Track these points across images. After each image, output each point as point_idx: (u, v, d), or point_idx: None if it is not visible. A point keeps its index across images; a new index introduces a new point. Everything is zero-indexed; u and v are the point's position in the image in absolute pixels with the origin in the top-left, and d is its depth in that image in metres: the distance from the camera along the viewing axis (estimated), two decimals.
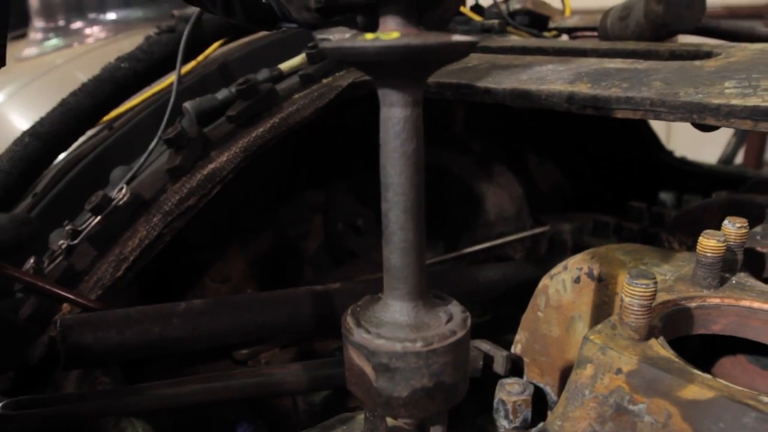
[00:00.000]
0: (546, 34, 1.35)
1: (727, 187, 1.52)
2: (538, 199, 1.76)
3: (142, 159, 0.98)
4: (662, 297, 0.56)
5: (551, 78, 0.77)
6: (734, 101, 0.60)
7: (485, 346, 0.76)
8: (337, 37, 0.56)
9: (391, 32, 0.42)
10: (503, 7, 1.35)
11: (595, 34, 1.20)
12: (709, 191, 1.58)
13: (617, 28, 1.01)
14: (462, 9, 1.29)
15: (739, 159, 3.32)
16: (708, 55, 0.80)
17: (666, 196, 1.82)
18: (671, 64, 0.76)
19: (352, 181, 1.40)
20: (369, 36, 0.42)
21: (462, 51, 0.42)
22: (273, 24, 0.80)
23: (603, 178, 1.82)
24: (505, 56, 0.94)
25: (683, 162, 1.68)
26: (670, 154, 1.70)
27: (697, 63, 0.75)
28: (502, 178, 1.44)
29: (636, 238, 1.45)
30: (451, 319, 0.45)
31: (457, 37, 0.42)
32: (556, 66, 0.82)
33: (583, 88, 0.71)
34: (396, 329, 0.43)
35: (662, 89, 0.67)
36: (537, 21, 1.35)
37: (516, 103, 0.76)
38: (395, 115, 0.42)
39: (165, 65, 1.09)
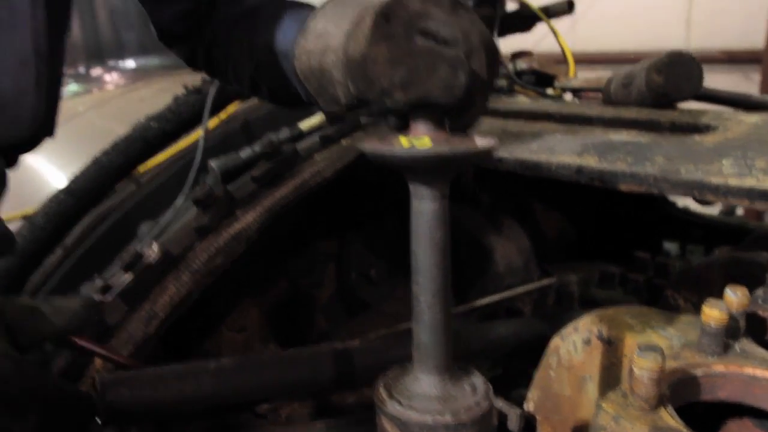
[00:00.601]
0: (551, 91, 1.42)
1: (730, 238, 1.56)
2: (544, 246, 1.80)
3: (168, 215, 1.04)
4: (670, 364, 0.60)
5: (560, 149, 0.82)
6: (732, 181, 0.65)
7: (499, 403, 0.79)
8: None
9: (422, 137, 0.49)
10: (510, 66, 1.42)
11: (599, 95, 1.27)
12: (712, 241, 1.62)
13: (621, 94, 1.07)
14: None
15: (740, 210, 3.38)
16: (707, 128, 0.86)
17: (670, 246, 1.86)
18: (672, 138, 0.81)
19: (365, 232, 1.45)
20: (403, 141, 0.48)
21: (484, 156, 0.48)
22: (298, 105, 0.86)
23: (607, 227, 1.87)
24: (515, 122, 1.00)
25: (686, 213, 1.73)
26: (673, 205, 1.75)
27: (697, 138, 0.80)
28: (510, 231, 1.48)
29: (641, 289, 1.49)
30: (475, 391, 0.50)
31: (480, 144, 0.48)
32: (564, 136, 0.88)
33: (591, 162, 0.77)
34: (426, 402, 0.47)
35: (665, 165, 0.72)
36: (543, 80, 1.43)
37: (527, 172, 0.81)
38: (425, 207, 0.48)
39: (191, 124, 1.15)
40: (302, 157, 1.04)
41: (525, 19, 1.55)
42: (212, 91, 1.14)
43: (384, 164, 0.47)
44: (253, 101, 1.25)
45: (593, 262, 1.59)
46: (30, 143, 0.68)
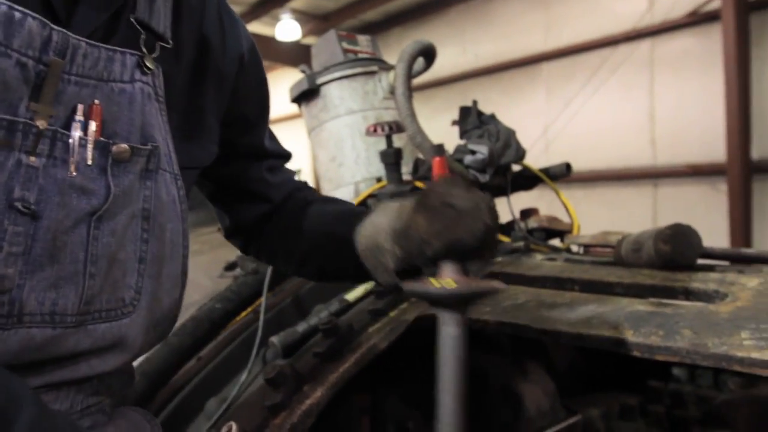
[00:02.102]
0: (561, 245, 1.59)
1: None
2: (558, 380, 1.89)
3: (234, 391, 1.13)
4: None
5: (596, 322, 0.96)
6: (754, 354, 0.79)
7: None
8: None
9: (447, 279, 0.69)
10: (522, 225, 1.60)
11: (606, 250, 1.44)
12: (718, 368, 1.73)
13: (631, 257, 1.24)
14: None
15: None
16: (716, 294, 1.01)
17: (679, 372, 1.96)
18: (691, 308, 0.96)
19: (400, 384, 1.53)
20: (434, 282, 0.69)
21: (494, 293, 0.73)
22: (341, 281, 1.03)
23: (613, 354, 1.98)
24: (546, 291, 1.15)
25: None
26: None
27: (712, 308, 0.95)
28: (535, 375, 1.58)
29: (662, 420, 1.58)
30: None
31: (491, 285, 0.74)
32: (596, 307, 1.02)
33: (628, 335, 0.90)
34: None
35: (693, 339, 0.86)
36: (552, 235, 1.60)
37: (571, 343, 0.94)
38: (449, 332, 0.70)
39: (250, 302, 1.28)
40: (357, 331, 1.16)
41: (528, 180, 1.76)
42: (269, 273, 1.28)
43: (420, 299, 0.69)
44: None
45: (607, 393, 1.68)
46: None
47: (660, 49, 6.48)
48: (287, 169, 1.09)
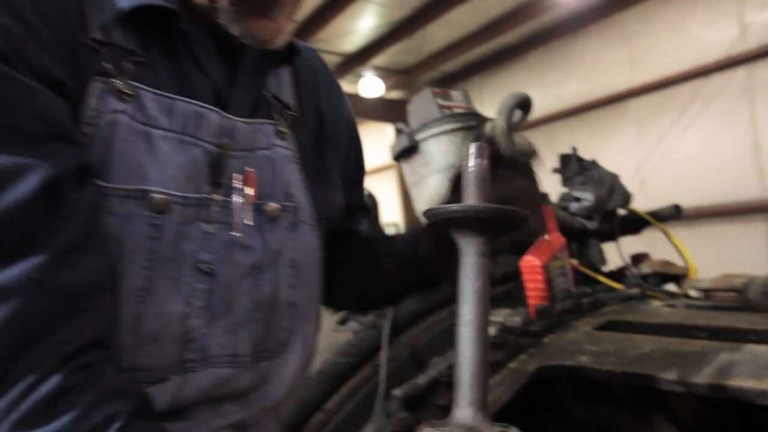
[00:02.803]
0: (678, 290, 1.54)
1: None
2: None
3: None
4: None
5: (735, 372, 0.93)
6: None
7: None
8: None
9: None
10: (635, 270, 1.57)
11: (729, 294, 1.39)
12: None
13: (762, 301, 1.19)
14: (602, 279, 1.52)
15: None
16: None
17: None
18: None
19: None
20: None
21: (518, 217, 0.61)
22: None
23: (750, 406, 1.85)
24: (672, 339, 1.12)
25: None
26: None
27: None
28: (663, 429, 1.52)
29: None
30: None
31: (515, 209, 0.61)
32: (730, 356, 0.99)
33: None
34: (457, 429, 0.53)
35: None
36: (667, 280, 1.56)
37: (713, 395, 0.92)
38: (467, 261, 0.60)
39: (371, 356, 1.33)
40: None
41: (634, 223, 1.74)
42: (387, 325, 1.33)
43: (438, 222, 0.60)
44: (416, 329, 1.44)
45: None
46: None
47: (759, 75, 6.18)
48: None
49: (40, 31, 0.60)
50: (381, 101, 9.49)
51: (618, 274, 1.58)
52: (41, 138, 0.57)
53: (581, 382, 1.23)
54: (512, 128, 1.59)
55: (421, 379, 1.25)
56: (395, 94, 9.95)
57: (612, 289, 1.49)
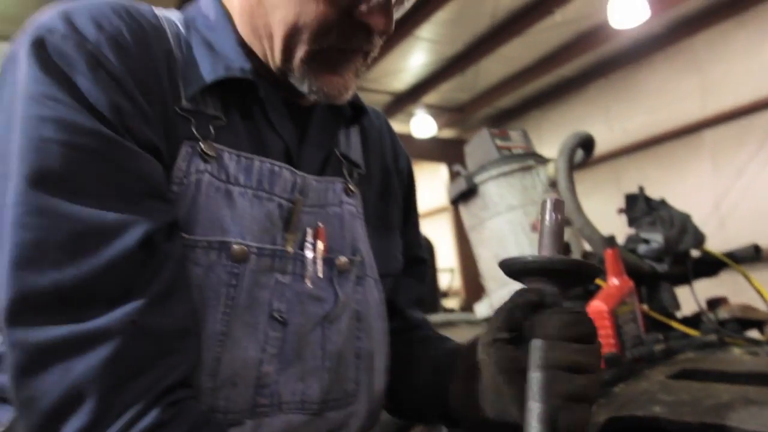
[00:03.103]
0: (761, 337, 1.52)
1: None
2: None
3: None
4: None
5: None
6: None
7: None
8: None
9: None
10: (711, 316, 1.56)
11: None
12: None
13: None
14: (675, 325, 1.52)
15: None
16: None
17: None
18: None
19: None
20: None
21: (591, 274, 0.68)
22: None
23: None
24: (753, 388, 1.12)
25: None
26: None
27: None
28: None
29: None
30: None
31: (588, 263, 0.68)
32: None
33: None
34: None
35: None
36: (748, 326, 1.54)
37: None
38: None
39: None
40: None
41: (710, 266, 1.73)
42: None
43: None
44: None
45: None
46: None
47: None
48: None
49: (141, 104, 0.71)
50: (434, 141, 9.62)
51: (693, 320, 1.57)
52: (142, 196, 0.68)
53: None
54: (573, 169, 1.65)
55: None
56: (448, 133, 10.08)
57: (686, 335, 1.48)
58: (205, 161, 0.76)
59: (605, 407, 1.23)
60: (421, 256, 1.16)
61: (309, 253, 0.83)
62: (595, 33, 7.19)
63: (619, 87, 8.14)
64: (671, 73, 7.51)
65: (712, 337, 1.44)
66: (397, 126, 9.70)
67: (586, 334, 0.67)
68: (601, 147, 8.40)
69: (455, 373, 0.89)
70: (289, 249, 0.81)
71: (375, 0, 0.76)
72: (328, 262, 0.86)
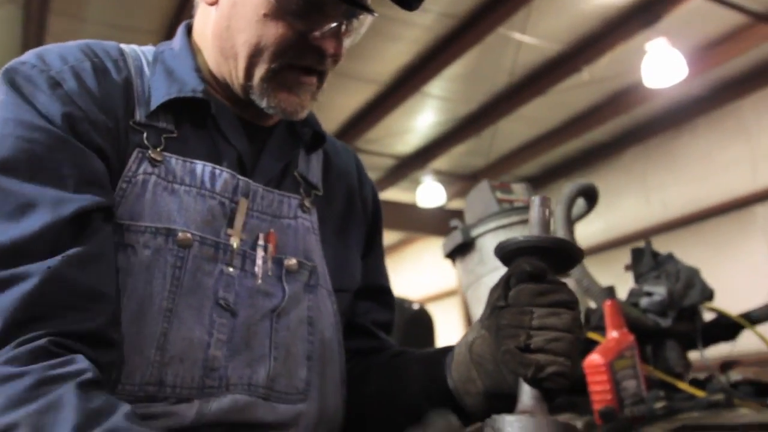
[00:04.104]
0: None
1: None
2: None
3: None
4: None
5: None
6: None
7: None
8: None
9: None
10: (723, 378, 1.72)
11: None
12: None
13: None
14: (681, 385, 1.68)
15: None
16: None
17: None
18: None
19: None
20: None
21: (575, 255, 0.91)
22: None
23: None
24: None
25: None
26: None
27: None
28: None
29: None
30: None
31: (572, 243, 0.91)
32: None
33: None
34: None
35: None
36: (764, 390, 1.69)
37: None
38: None
39: None
40: None
41: (727, 328, 1.90)
42: None
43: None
44: None
45: None
46: None
47: None
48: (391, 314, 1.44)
49: (92, 116, 1.02)
50: (442, 212, 9.75)
51: (703, 383, 1.73)
52: (81, 181, 0.96)
53: None
54: (572, 219, 1.85)
55: None
56: (459, 203, 10.25)
57: (693, 397, 1.63)
58: (153, 165, 1.06)
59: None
60: (387, 286, 1.45)
61: (260, 252, 1.11)
62: (629, 93, 7.48)
63: (657, 154, 8.40)
64: (716, 140, 7.78)
65: (720, 397, 1.59)
66: (401, 194, 9.86)
67: (564, 301, 0.88)
68: (636, 222, 8.58)
69: (452, 359, 1.08)
70: (234, 244, 1.08)
71: (327, 27, 1.07)
72: (278, 261, 1.13)
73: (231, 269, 1.07)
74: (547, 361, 0.84)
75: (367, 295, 1.38)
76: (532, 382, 0.85)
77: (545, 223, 0.91)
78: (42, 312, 0.86)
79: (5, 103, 0.99)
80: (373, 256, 1.41)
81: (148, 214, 1.02)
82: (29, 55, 1.05)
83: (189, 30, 1.23)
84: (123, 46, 1.16)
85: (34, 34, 5.82)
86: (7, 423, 0.74)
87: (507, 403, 0.90)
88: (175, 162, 1.08)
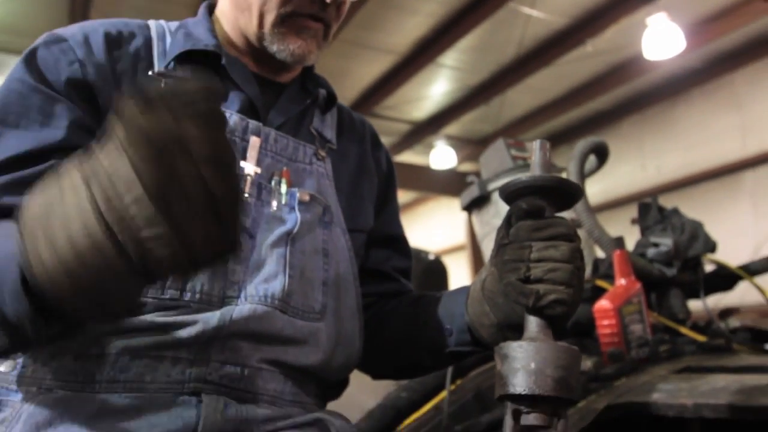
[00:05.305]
0: None
1: None
2: None
3: None
4: None
5: None
6: None
7: None
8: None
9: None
10: (722, 324, 1.68)
11: None
12: None
13: None
14: (684, 330, 1.64)
15: None
16: None
17: None
18: None
19: None
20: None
21: (575, 193, 0.85)
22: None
23: None
24: (750, 376, 1.24)
25: None
26: None
27: None
28: None
29: None
30: None
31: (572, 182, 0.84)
32: None
33: None
34: None
35: None
36: (762, 337, 1.65)
37: None
38: None
39: (434, 393, 1.50)
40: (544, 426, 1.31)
41: (726, 279, 1.85)
42: (450, 369, 1.50)
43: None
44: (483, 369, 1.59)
45: None
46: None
47: None
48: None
49: (96, 78, 1.05)
50: (453, 174, 9.79)
51: (703, 329, 1.68)
52: (62, 121, 1.00)
53: (655, 425, 1.34)
54: (584, 174, 1.79)
55: (485, 418, 1.40)
56: (469, 166, 10.25)
57: (694, 341, 1.59)
58: None
59: (605, 396, 1.35)
60: (403, 235, 1.42)
61: (275, 186, 1.11)
62: (629, 65, 7.39)
63: (654, 123, 8.31)
64: (710, 110, 7.68)
65: (720, 341, 1.55)
66: (415, 157, 9.90)
67: (562, 234, 0.85)
68: (633, 186, 8.52)
69: (467, 296, 1.08)
70: (249, 173, 1.08)
71: None
72: (292, 194, 1.12)
73: (247, 196, 1.06)
74: (546, 290, 0.82)
75: (385, 244, 1.36)
76: (534, 311, 0.83)
77: (545, 165, 0.87)
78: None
79: (15, 70, 1.03)
80: (389, 209, 1.39)
81: None
82: (54, 33, 1.08)
83: (210, 10, 1.26)
84: (150, 21, 1.20)
85: (80, 4, 5.76)
86: None
87: (518, 333, 0.87)
88: None
